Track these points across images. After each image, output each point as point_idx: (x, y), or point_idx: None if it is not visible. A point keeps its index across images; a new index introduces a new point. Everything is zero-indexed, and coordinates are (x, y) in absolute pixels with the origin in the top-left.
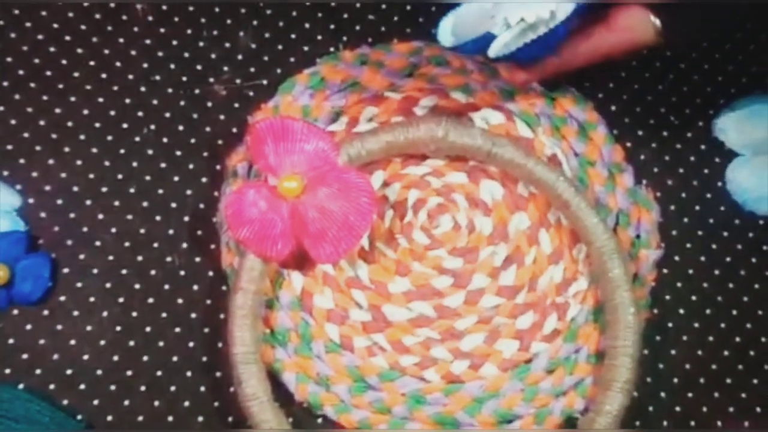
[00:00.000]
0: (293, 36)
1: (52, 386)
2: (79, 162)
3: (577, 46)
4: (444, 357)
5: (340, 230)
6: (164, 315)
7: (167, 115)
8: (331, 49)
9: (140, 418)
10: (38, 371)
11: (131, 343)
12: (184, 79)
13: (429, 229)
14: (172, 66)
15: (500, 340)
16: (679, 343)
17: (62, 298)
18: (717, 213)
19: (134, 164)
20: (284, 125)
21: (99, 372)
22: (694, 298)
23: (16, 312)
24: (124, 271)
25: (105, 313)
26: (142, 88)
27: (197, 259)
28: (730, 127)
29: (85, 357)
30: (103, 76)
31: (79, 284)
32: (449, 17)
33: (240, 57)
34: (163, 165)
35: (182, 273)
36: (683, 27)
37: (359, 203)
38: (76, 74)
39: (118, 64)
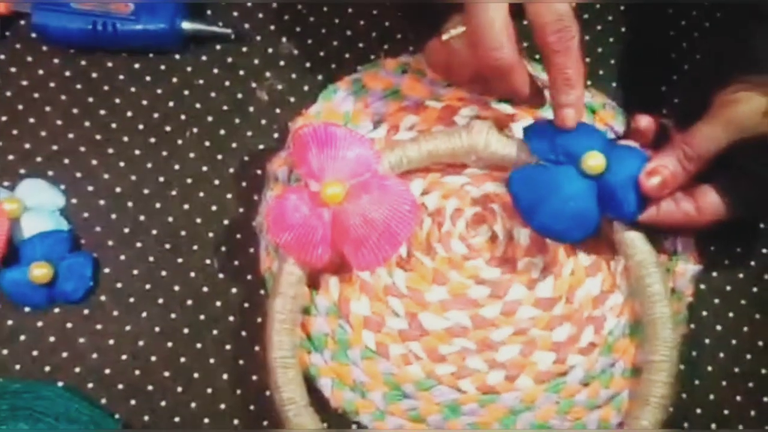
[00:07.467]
0: (335, 43)
1: (90, 385)
2: (122, 164)
3: (662, 213)
4: (480, 367)
5: (381, 237)
6: (202, 317)
7: (209, 119)
8: (372, 57)
9: (176, 419)
10: (77, 370)
11: (169, 344)
12: (227, 83)
13: (467, 238)
14: (215, 70)
15: (536, 352)
16: (715, 360)
17: (102, 298)
18: (756, 229)
19: (176, 167)
20: (327, 132)
21: (137, 372)
22: (731, 314)
23: (57, 310)
24: (163, 273)
25: (144, 314)
26: (185, 92)
27: (236, 263)
28: None
29: (124, 357)
30: (147, 78)
31: (119, 285)
32: None
33: (282, 63)
34: (204, 168)
35: (221, 276)
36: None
37: (401, 211)
38: (121, 77)
39: (162, 67)
